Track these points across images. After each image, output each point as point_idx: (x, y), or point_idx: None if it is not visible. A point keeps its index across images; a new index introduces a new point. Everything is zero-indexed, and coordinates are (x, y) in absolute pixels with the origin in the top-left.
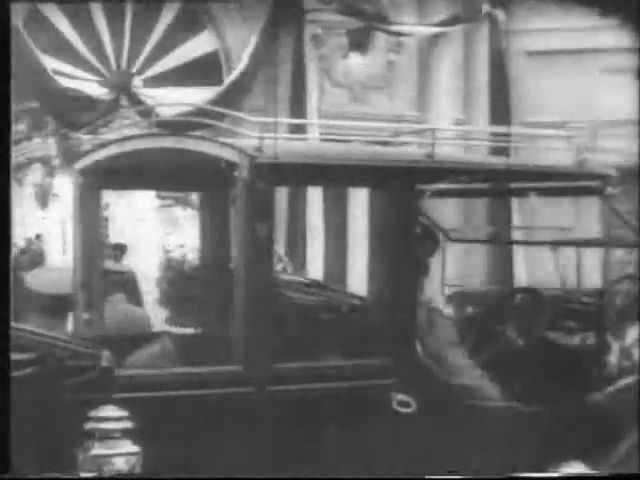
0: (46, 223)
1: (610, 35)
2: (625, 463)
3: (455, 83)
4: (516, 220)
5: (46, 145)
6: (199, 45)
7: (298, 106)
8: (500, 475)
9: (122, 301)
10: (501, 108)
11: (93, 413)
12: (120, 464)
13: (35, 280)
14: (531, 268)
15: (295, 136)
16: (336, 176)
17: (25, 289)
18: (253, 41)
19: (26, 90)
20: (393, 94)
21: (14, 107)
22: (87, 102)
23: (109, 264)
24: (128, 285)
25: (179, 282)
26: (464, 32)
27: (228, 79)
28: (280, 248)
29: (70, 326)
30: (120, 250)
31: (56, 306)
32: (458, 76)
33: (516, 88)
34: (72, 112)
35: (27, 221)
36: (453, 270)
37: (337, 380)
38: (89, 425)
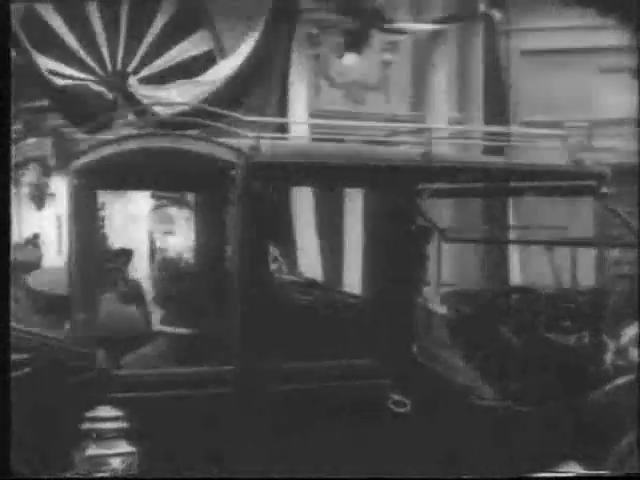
0: (43, 223)
1: (607, 34)
2: (622, 463)
3: (451, 82)
4: (511, 219)
5: (42, 145)
6: (195, 44)
7: (291, 106)
8: (498, 475)
9: (113, 300)
10: (497, 107)
11: (89, 413)
12: (116, 464)
13: (34, 280)
14: (526, 267)
15: (291, 136)
16: (332, 176)
17: (24, 289)
18: (251, 40)
19: (23, 90)
20: (389, 94)
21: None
22: (93, 99)
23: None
24: (136, 291)
25: (174, 282)
26: (460, 31)
27: (224, 76)
28: (275, 248)
29: (67, 326)
30: (126, 256)
31: (55, 306)
32: (454, 75)
33: (512, 87)
34: (81, 109)
35: (24, 221)
36: (449, 270)
37: (332, 380)
38: (85, 425)
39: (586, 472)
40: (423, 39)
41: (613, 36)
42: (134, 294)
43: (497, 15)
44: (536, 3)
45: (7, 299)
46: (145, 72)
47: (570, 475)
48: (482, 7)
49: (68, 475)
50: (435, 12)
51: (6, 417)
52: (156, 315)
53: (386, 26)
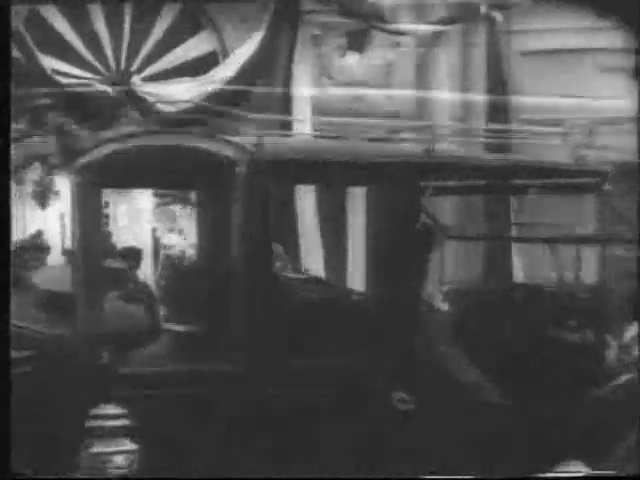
0: (46, 221)
1: (608, 35)
2: (624, 462)
3: (453, 83)
4: (514, 217)
5: (46, 143)
6: (198, 45)
7: (295, 104)
8: (499, 474)
9: (118, 298)
10: (498, 107)
11: (93, 411)
12: (120, 462)
13: (39, 278)
14: (529, 265)
15: (294, 133)
16: (335, 173)
17: (29, 287)
18: (255, 40)
19: (26, 88)
20: (391, 94)
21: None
22: (97, 97)
23: (109, 261)
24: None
25: (178, 280)
26: (462, 32)
27: (227, 75)
28: (279, 245)
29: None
30: (134, 256)
31: (59, 304)
32: (456, 76)
33: (513, 88)
34: (84, 108)
35: (27, 219)
36: (451, 267)
37: (336, 376)
38: (89, 423)
39: (588, 472)
40: (425, 39)
41: (613, 37)
42: (143, 296)
43: (499, 16)
44: (538, 4)
45: (8, 297)
46: (148, 72)
47: (571, 475)
48: (483, 8)
49: (70, 474)
50: (437, 13)
51: (6, 416)
52: (160, 313)
53: (388, 27)
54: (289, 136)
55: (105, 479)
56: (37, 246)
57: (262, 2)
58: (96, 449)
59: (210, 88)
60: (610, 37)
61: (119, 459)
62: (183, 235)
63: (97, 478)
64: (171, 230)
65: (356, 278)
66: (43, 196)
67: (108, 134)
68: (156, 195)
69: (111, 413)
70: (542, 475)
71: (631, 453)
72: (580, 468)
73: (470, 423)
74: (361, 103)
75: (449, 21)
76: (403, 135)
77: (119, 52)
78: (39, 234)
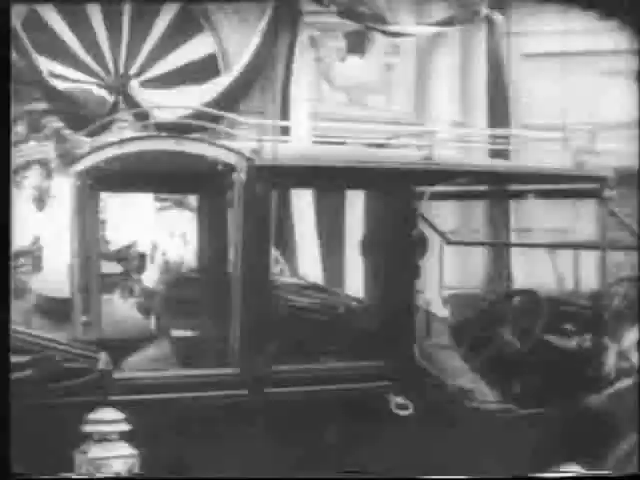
0: (44, 225)
1: (609, 37)
2: (622, 466)
3: (453, 85)
4: (514, 222)
5: (44, 147)
6: (197, 47)
7: (293, 109)
8: (498, 477)
9: (112, 302)
10: (499, 110)
11: (90, 416)
12: (117, 466)
13: (38, 283)
14: (529, 270)
15: (293, 138)
16: (333, 179)
17: (27, 292)
18: (254, 43)
19: (24, 92)
20: (391, 96)
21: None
22: (94, 102)
23: (104, 266)
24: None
25: (177, 284)
26: (462, 34)
27: (226, 80)
28: (277, 251)
29: (71, 329)
30: (140, 261)
31: (59, 309)
32: (456, 78)
33: (514, 90)
34: (81, 112)
35: (25, 223)
36: (451, 272)
37: (334, 383)
38: (86, 427)
39: (586, 473)
40: (425, 42)
41: (614, 39)
42: (141, 301)
43: (499, 18)
44: (538, 6)
45: (7, 302)
46: (147, 75)
47: (570, 475)
48: (484, 10)
49: (68, 476)
50: (437, 15)
51: (6, 418)
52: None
53: (388, 28)
54: (288, 141)
55: (105, 478)
56: (34, 251)
57: (261, 2)
58: (94, 454)
59: (208, 93)
60: (612, 39)
61: (118, 464)
62: (183, 240)
63: (97, 477)
64: (171, 235)
65: (354, 284)
66: (41, 200)
67: (106, 138)
68: (155, 200)
69: (109, 418)
70: (542, 475)
71: (630, 457)
72: (577, 471)
73: (468, 428)
74: (360, 108)
75: (450, 23)
76: (402, 141)
77: (117, 54)
78: (36, 240)
